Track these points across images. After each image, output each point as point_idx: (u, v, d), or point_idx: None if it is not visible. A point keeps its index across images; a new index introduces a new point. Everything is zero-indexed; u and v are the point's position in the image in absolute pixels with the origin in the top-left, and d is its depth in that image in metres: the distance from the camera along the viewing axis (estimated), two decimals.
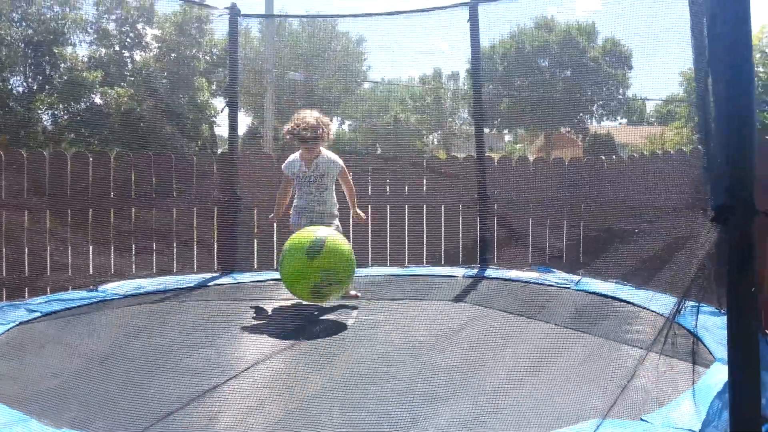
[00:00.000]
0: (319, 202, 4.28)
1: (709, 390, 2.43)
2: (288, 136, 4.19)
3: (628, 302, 4.10)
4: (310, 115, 4.14)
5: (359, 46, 29.56)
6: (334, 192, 4.41)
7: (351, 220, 4.84)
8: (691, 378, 2.61)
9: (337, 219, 4.40)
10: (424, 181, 6.21)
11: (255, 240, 5.86)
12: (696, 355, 2.78)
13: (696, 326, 2.86)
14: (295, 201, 4.37)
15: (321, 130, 4.14)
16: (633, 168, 6.01)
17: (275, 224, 5.88)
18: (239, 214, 5.60)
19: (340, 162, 4.34)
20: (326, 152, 4.30)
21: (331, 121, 4.36)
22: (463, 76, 31.22)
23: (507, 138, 30.79)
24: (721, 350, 2.96)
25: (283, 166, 4.40)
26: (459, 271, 5.40)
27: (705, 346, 3.08)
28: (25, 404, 2.52)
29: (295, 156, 4.33)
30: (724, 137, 1.67)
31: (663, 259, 4.27)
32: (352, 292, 4.30)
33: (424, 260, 6.06)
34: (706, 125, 1.63)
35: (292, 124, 4.17)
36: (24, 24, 18.33)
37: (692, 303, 2.93)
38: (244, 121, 24.65)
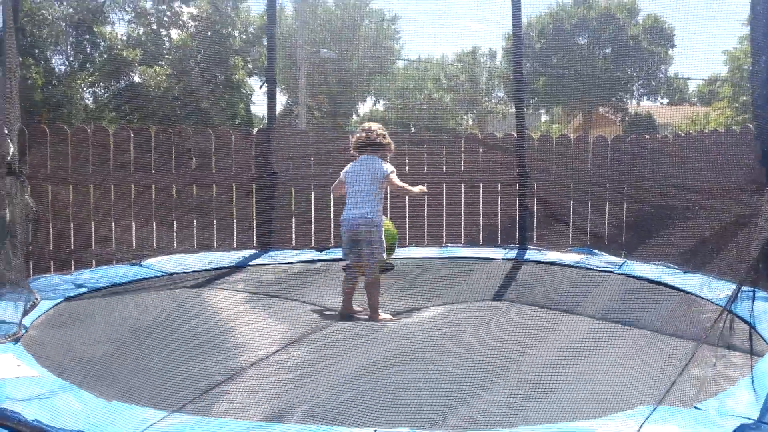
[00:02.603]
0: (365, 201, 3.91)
1: (765, 378, 2.35)
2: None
3: (678, 288, 3.97)
4: (380, 129, 3.97)
5: (393, 24, 29.25)
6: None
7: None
8: (746, 366, 2.53)
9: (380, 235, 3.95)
10: (462, 159, 6.12)
11: (293, 217, 5.87)
12: (752, 342, 2.69)
13: (752, 313, 2.76)
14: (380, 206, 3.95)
15: (384, 147, 3.96)
16: (679, 146, 5.82)
17: (313, 201, 5.93)
18: (276, 191, 5.60)
19: (387, 168, 3.95)
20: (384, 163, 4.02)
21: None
22: (500, 53, 30.71)
23: (543, 117, 30.24)
24: None
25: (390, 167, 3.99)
26: (498, 253, 5.32)
27: (759, 333, 2.97)
28: (74, 374, 2.58)
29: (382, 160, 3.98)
30: None
31: (714, 241, 4.13)
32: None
33: (462, 240, 6.00)
34: None
35: (364, 130, 3.97)
36: (65, 3, 18.61)
37: (747, 289, 2.82)
38: (279, 100, 24.74)
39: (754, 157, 3.87)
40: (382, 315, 3.67)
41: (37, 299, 3.52)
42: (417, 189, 4.05)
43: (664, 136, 6.68)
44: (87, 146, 5.48)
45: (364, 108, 31.18)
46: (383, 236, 3.84)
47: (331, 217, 5.94)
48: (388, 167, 3.88)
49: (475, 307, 3.81)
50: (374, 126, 3.99)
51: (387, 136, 3.97)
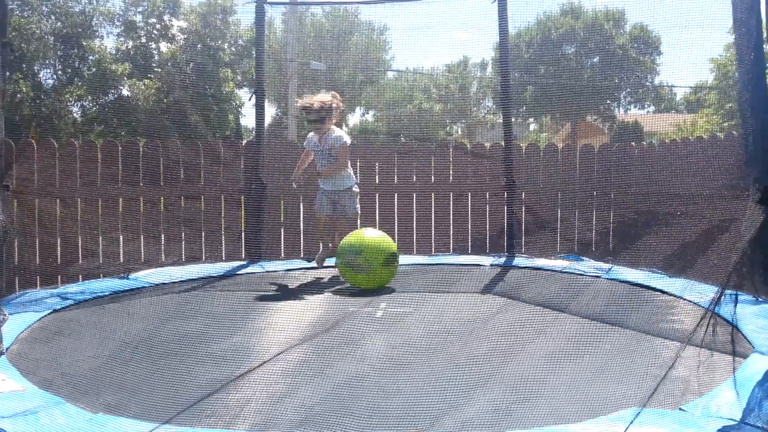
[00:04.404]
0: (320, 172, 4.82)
1: (749, 379, 2.38)
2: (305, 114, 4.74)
3: (663, 291, 4.01)
4: (316, 99, 4.65)
5: (383, 35, 29.44)
6: (350, 170, 4.94)
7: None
8: (730, 368, 2.56)
9: (354, 197, 4.91)
10: (451, 169, 6.16)
11: (282, 228, 5.87)
12: (735, 344, 2.71)
13: (735, 315, 2.79)
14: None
15: (325, 112, 4.64)
16: (664, 154, 5.88)
17: (301, 214, 5.95)
18: (265, 203, 5.61)
19: (344, 138, 4.78)
20: (335, 129, 4.82)
21: (337, 97, 4.76)
22: (489, 63, 30.93)
23: (532, 126, 30.45)
24: (759, 339, 2.89)
25: (308, 139, 4.92)
26: (486, 260, 5.35)
27: (743, 335, 3.00)
28: (60, 388, 2.57)
29: (312, 132, 4.84)
30: None
31: (698, 246, 4.18)
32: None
33: (451, 248, 6.02)
34: (756, 101, 1.56)
35: (301, 107, 4.72)
36: (53, 17, 18.59)
37: (730, 291, 2.85)
38: (269, 112, 24.78)
39: (736, 162, 3.93)
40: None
41: (5, 315, 3.48)
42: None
43: (649, 144, 6.75)
44: (74, 160, 5.47)
45: (354, 119, 31.31)
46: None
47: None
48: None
49: (463, 312, 3.83)
50: (318, 98, 4.66)
51: (325, 100, 4.63)
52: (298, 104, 4.79)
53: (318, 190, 4.95)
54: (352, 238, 4.46)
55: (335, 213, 4.90)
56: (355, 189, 4.94)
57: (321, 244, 5.08)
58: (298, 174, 5.08)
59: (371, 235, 4.51)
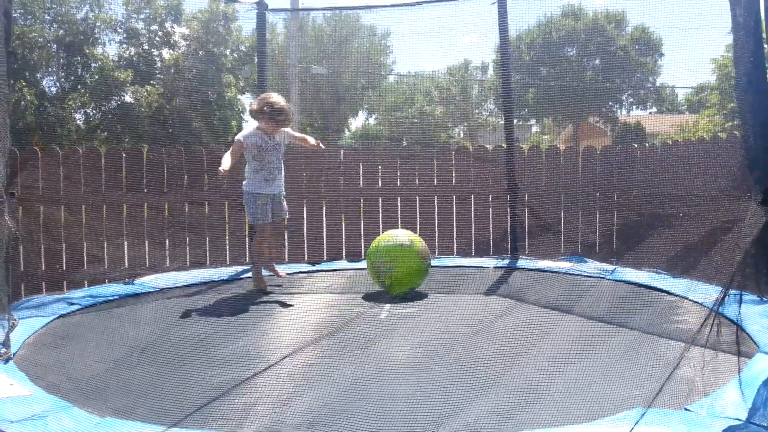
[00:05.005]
0: (279, 170, 4.57)
1: (754, 379, 2.38)
2: (260, 115, 4.42)
3: (667, 292, 4.01)
4: (281, 100, 4.47)
5: (384, 40, 29.48)
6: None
7: None
8: (735, 368, 2.56)
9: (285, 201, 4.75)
10: (453, 172, 6.17)
11: (285, 232, 5.89)
12: (740, 344, 2.71)
13: (739, 315, 2.79)
14: (252, 174, 4.52)
15: (290, 116, 4.55)
16: (667, 155, 5.89)
17: (305, 216, 5.96)
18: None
19: (290, 130, 4.67)
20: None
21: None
22: (490, 66, 30.95)
23: (534, 129, 30.44)
24: (764, 339, 2.89)
25: (240, 136, 4.47)
26: (490, 262, 5.36)
27: (748, 334, 3.01)
28: (68, 393, 2.58)
29: (251, 129, 4.50)
30: None
31: (701, 247, 4.19)
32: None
33: (455, 251, 6.03)
34: (757, 103, 1.57)
35: (264, 105, 4.40)
36: (55, 26, 18.68)
37: (734, 291, 2.86)
38: None
39: (738, 163, 3.94)
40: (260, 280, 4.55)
41: (15, 321, 3.50)
42: (229, 150, 4.38)
43: (652, 145, 6.75)
44: (78, 167, 5.51)
45: (356, 123, 31.35)
46: (248, 201, 4.50)
47: (324, 231, 5.97)
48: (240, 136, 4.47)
49: (467, 314, 3.84)
50: (262, 97, 4.50)
51: (267, 104, 4.39)
52: (263, 102, 4.43)
53: (251, 196, 4.48)
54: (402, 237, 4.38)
55: (274, 219, 4.60)
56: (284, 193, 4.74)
57: (259, 260, 4.64)
58: (226, 169, 4.20)
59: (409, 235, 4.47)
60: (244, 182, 4.56)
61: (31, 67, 17.38)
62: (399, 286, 4.19)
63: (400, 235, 4.40)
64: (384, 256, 4.23)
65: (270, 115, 4.39)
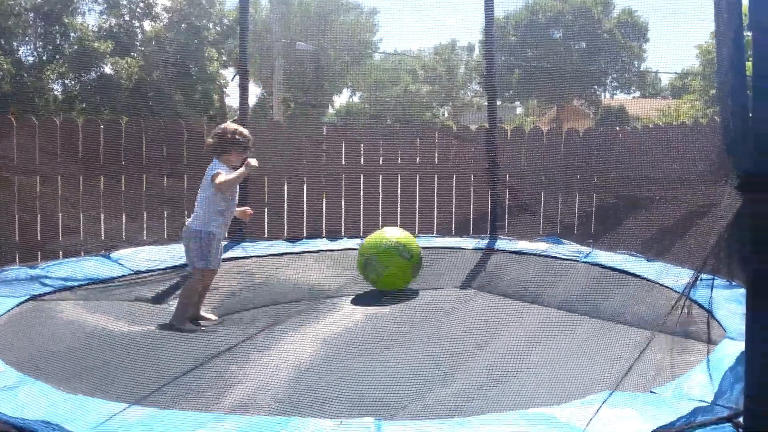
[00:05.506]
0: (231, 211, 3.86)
1: (720, 363, 2.42)
2: (230, 146, 3.69)
3: (639, 276, 4.06)
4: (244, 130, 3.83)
5: (371, 18, 29.16)
6: None
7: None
8: (702, 352, 2.60)
9: None
10: (436, 150, 6.15)
11: (266, 209, 5.84)
12: (708, 329, 2.76)
13: (711, 300, 2.83)
14: (214, 215, 3.69)
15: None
16: (647, 138, 5.91)
17: (286, 193, 5.91)
18: (249, 183, 5.57)
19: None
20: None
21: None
22: (476, 46, 30.79)
23: (518, 110, 30.46)
24: (732, 324, 2.93)
25: (221, 169, 3.66)
26: (469, 243, 5.37)
27: (716, 319, 3.05)
28: (38, 371, 2.56)
29: (217, 162, 3.72)
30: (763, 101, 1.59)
31: (677, 231, 4.22)
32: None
33: (435, 230, 6.04)
34: (736, 87, 1.56)
35: (236, 135, 3.73)
36: None
37: (707, 276, 2.89)
38: (254, 92, 24.52)
39: (716, 148, 3.96)
40: (202, 316, 3.61)
41: None
42: (237, 173, 3.63)
43: (633, 128, 6.78)
44: (55, 138, 5.40)
45: (340, 100, 31.11)
46: (204, 243, 3.61)
47: (304, 208, 5.94)
48: (215, 169, 3.61)
49: (440, 296, 3.85)
50: (227, 126, 3.75)
51: (239, 134, 3.71)
52: (245, 133, 3.77)
53: (210, 238, 3.67)
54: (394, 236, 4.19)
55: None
56: None
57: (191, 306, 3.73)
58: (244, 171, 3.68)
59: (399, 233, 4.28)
60: (195, 224, 3.68)
61: (7, 35, 16.92)
62: (382, 285, 4.11)
63: (401, 242, 4.12)
64: (382, 260, 4.03)
65: (243, 146, 3.71)
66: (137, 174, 5.62)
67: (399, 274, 4.03)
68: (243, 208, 3.95)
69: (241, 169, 3.64)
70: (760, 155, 1.65)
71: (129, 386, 2.40)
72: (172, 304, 3.70)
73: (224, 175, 3.57)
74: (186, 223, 3.76)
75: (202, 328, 3.53)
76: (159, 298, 3.92)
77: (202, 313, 3.65)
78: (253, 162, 3.65)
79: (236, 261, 4.86)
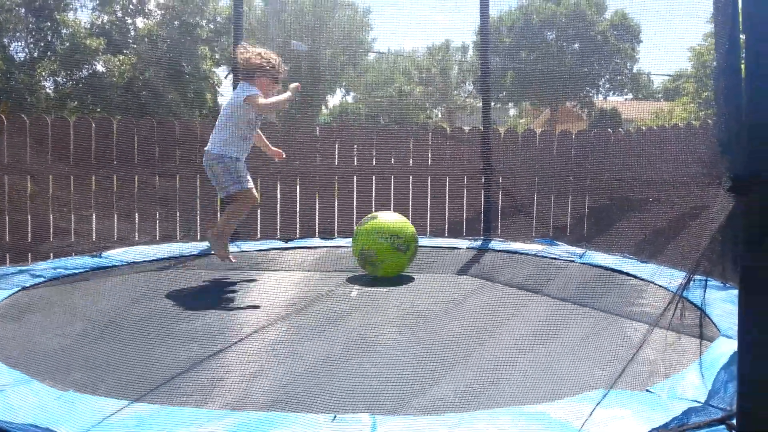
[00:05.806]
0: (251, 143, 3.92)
1: (714, 363, 2.43)
2: (259, 71, 3.67)
3: (634, 276, 4.08)
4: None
5: (365, 17, 29.18)
6: None
7: None
8: (696, 351, 2.61)
9: None
10: (429, 152, 6.16)
11: (258, 209, 5.83)
12: (702, 328, 2.77)
13: (703, 300, 2.84)
14: (237, 140, 3.75)
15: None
16: (640, 141, 5.95)
17: (278, 192, 5.90)
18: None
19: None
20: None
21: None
22: (470, 47, 30.86)
23: (512, 112, 30.56)
24: (725, 323, 2.95)
25: (255, 92, 3.64)
26: (462, 243, 5.38)
27: (710, 319, 3.07)
28: (28, 367, 2.53)
29: (248, 84, 3.71)
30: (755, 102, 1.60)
31: (670, 233, 4.25)
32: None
33: (428, 231, 6.04)
34: (731, 88, 1.57)
35: (266, 60, 3.70)
36: None
37: (700, 277, 2.90)
38: None
39: (710, 150, 3.98)
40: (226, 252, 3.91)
41: None
42: (283, 96, 3.64)
43: (626, 131, 6.81)
44: (47, 136, 5.36)
45: (334, 100, 31.10)
46: (230, 166, 3.67)
47: (297, 208, 5.93)
48: (249, 92, 3.55)
49: (437, 294, 3.86)
50: (261, 52, 3.73)
51: (263, 56, 3.67)
52: (277, 60, 3.74)
53: (234, 161, 3.77)
54: (391, 222, 4.13)
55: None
56: None
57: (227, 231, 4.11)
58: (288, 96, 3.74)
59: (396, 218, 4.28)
60: (217, 148, 3.73)
61: None
62: (377, 272, 4.15)
63: (397, 233, 4.08)
64: (378, 254, 4.03)
65: (272, 74, 3.66)
66: (129, 173, 5.59)
67: (395, 266, 4.10)
68: (278, 150, 4.03)
69: (287, 93, 3.63)
70: (752, 155, 1.66)
71: (124, 382, 2.38)
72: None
73: (263, 98, 3.50)
74: (206, 149, 3.78)
75: (234, 261, 3.92)
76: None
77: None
78: (295, 86, 3.67)
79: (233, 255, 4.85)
